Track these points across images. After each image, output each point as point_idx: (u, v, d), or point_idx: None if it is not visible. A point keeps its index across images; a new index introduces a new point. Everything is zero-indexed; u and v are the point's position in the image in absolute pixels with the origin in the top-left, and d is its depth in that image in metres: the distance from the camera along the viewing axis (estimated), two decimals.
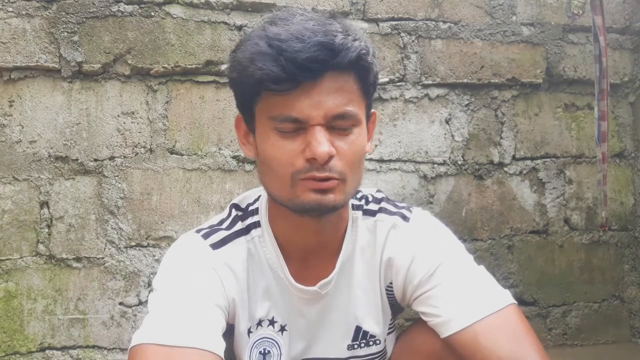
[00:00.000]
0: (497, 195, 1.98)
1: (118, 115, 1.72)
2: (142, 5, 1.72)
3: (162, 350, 0.80)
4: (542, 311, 2.00)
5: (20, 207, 1.67)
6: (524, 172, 2.00)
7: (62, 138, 1.69)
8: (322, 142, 0.82)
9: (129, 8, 1.72)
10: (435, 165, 1.93)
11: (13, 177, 1.66)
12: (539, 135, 2.02)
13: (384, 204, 1.04)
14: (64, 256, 1.68)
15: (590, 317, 2.04)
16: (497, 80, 1.97)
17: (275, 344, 0.99)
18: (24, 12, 1.66)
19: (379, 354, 1.04)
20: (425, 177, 1.92)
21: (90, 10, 1.70)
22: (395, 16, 1.91)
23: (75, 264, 1.69)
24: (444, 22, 1.94)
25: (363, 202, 1.03)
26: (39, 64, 1.67)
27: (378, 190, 1.07)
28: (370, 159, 1.87)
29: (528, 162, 2.01)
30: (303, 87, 0.82)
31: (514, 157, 1.99)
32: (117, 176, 1.71)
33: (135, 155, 1.73)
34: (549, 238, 2.02)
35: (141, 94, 1.74)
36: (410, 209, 1.04)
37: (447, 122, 1.94)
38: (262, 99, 0.87)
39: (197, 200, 1.76)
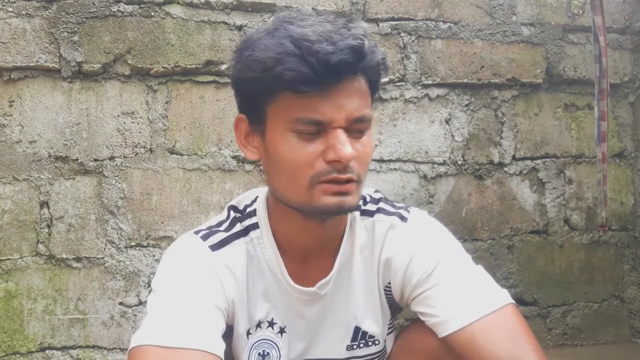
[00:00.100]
0: (497, 195, 1.98)
1: (118, 115, 1.72)
2: (142, 5, 1.72)
3: (162, 352, 0.80)
4: (542, 311, 2.00)
5: (20, 207, 1.67)
6: (524, 172, 2.00)
7: (62, 138, 1.69)
8: (346, 145, 0.83)
9: (129, 8, 1.72)
10: (435, 165, 1.93)
11: (13, 177, 1.66)
12: (539, 135, 2.02)
13: (382, 205, 1.04)
14: (64, 256, 1.68)
15: (590, 317, 2.04)
16: (497, 80, 1.97)
17: (275, 346, 0.98)
18: (24, 12, 1.66)
19: (378, 354, 1.04)
20: (425, 177, 1.92)
21: (90, 10, 1.70)
22: (395, 16, 1.91)
23: (75, 264, 1.69)
24: (444, 22, 1.94)
25: (361, 202, 1.03)
26: (39, 64, 1.67)
27: (376, 191, 1.07)
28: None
29: (528, 162, 2.01)
30: (327, 89, 0.82)
31: (514, 157, 2.00)
32: (117, 176, 1.72)
33: (135, 155, 1.73)
34: (549, 238, 2.02)
35: (141, 94, 1.74)
36: (408, 209, 1.04)
37: (447, 122, 1.94)
38: (278, 100, 0.85)
39: (197, 200, 1.76)
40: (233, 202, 1.04)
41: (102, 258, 1.70)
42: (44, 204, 1.68)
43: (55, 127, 1.69)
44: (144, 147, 1.74)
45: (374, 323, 1.02)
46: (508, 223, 1.98)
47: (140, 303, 1.71)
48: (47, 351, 1.67)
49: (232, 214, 1.01)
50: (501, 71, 1.97)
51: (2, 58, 1.65)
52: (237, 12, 1.79)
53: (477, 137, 1.97)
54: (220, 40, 1.78)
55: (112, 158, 1.72)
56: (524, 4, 2.00)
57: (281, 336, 0.99)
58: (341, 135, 0.84)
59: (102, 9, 1.70)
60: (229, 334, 0.97)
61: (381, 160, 1.88)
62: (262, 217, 0.98)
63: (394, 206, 1.04)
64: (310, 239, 0.96)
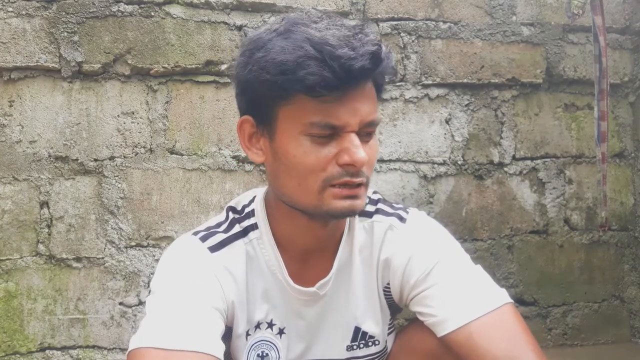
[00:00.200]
0: (497, 195, 1.98)
1: (118, 115, 1.72)
2: (142, 5, 1.72)
3: (161, 354, 0.80)
4: (542, 311, 2.00)
5: (20, 207, 1.67)
6: (524, 172, 2.00)
7: (62, 138, 1.69)
8: (360, 149, 0.84)
9: (129, 8, 1.72)
10: (435, 165, 1.93)
11: (13, 177, 1.66)
12: (539, 135, 2.02)
13: (380, 205, 1.04)
14: (64, 256, 1.69)
15: (590, 317, 2.04)
16: (497, 80, 1.97)
17: (274, 347, 0.98)
18: (24, 12, 1.66)
19: (378, 354, 1.04)
20: (425, 177, 1.92)
21: (90, 10, 1.70)
22: (395, 16, 1.91)
23: (75, 264, 1.69)
24: (444, 22, 1.94)
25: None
26: (39, 64, 1.67)
27: (374, 192, 1.07)
28: None
29: (528, 162, 2.01)
30: (344, 94, 0.82)
31: (514, 157, 2.00)
32: (117, 176, 1.72)
33: (135, 155, 1.73)
34: (549, 238, 2.02)
35: (141, 94, 1.74)
36: (407, 210, 1.04)
37: (447, 122, 1.94)
38: (292, 103, 0.84)
39: (197, 200, 1.76)
40: (232, 203, 1.04)
41: (102, 258, 1.70)
42: (44, 204, 1.68)
43: (55, 127, 1.69)
44: (144, 147, 1.74)
45: (374, 323, 1.02)
46: (508, 223, 1.98)
47: (140, 303, 1.71)
48: (47, 351, 1.67)
49: (231, 215, 1.01)
50: (501, 71, 1.97)
51: (2, 58, 1.65)
52: (237, 12, 1.79)
53: (477, 137, 1.97)
54: (220, 40, 1.78)
55: (112, 158, 1.72)
56: (524, 4, 2.00)
57: (280, 337, 0.99)
58: (355, 139, 0.84)
59: (102, 9, 1.70)
60: (228, 335, 0.97)
61: (381, 160, 1.88)
62: (260, 218, 0.98)
63: (392, 207, 1.04)
64: (310, 239, 0.96)
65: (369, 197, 1.04)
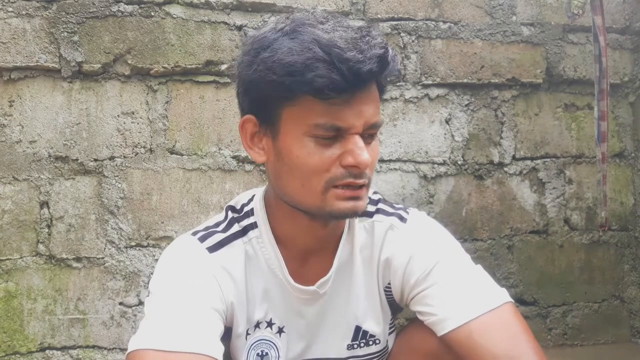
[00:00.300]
0: (497, 195, 1.98)
1: (118, 115, 1.72)
2: (142, 5, 1.72)
3: (160, 356, 0.80)
4: (542, 311, 2.00)
5: (20, 207, 1.67)
6: (524, 172, 2.00)
7: (62, 138, 1.69)
8: (364, 151, 0.84)
9: (129, 8, 1.72)
10: (435, 165, 1.93)
11: (13, 177, 1.66)
12: (539, 135, 2.02)
13: (381, 205, 1.04)
14: (64, 256, 1.69)
15: (590, 317, 2.04)
16: (497, 80, 1.97)
17: (273, 346, 0.98)
18: (24, 12, 1.66)
19: (378, 354, 1.04)
20: (425, 177, 1.92)
21: (90, 10, 1.70)
22: (395, 16, 1.91)
23: (75, 264, 1.69)
24: (444, 22, 1.94)
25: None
26: (39, 64, 1.67)
27: (375, 192, 1.07)
28: None
29: (528, 162, 2.01)
30: (351, 96, 0.83)
31: (514, 157, 2.00)
32: (117, 176, 1.72)
33: (135, 155, 1.73)
34: (549, 238, 2.02)
35: (141, 94, 1.74)
36: (407, 210, 1.04)
37: (447, 122, 1.94)
38: (297, 104, 0.84)
39: (197, 200, 1.76)
40: (231, 203, 1.04)
41: (102, 258, 1.70)
42: (44, 204, 1.68)
43: (55, 127, 1.69)
44: (144, 147, 1.74)
45: (375, 323, 1.02)
46: (508, 223, 1.98)
47: (140, 303, 1.71)
48: (47, 351, 1.67)
49: (230, 214, 1.01)
50: (501, 71, 1.97)
51: (2, 58, 1.65)
52: (237, 12, 1.79)
53: (477, 137, 1.97)
54: (220, 40, 1.78)
55: (112, 158, 1.72)
56: (524, 4, 2.00)
57: (280, 336, 0.99)
58: (359, 141, 0.84)
59: (102, 9, 1.70)
60: (227, 336, 0.97)
61: (381, 160, 1.88)
62: (260, 216, 0.98)
63: (393, 207, 1.04)
64: (311, 238, 0.96)
65: (370, 198, 1.04)
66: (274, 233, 0.97)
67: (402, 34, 1.91)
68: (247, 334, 0.98)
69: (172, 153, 1.75)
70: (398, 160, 1.90)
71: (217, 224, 0.99)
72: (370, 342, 1.03)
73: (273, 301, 0.98)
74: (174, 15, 1.75)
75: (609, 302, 2.06)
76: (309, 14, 0.88)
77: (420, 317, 0.98)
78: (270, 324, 0.99)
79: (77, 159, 1.69)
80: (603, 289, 2.06)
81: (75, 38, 1.69)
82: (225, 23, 1.78)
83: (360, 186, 0.87)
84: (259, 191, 1.02)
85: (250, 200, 1.01)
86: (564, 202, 2.03)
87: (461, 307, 0.92)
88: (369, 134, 0.87)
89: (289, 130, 0.86)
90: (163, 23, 1.74)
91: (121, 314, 1.71)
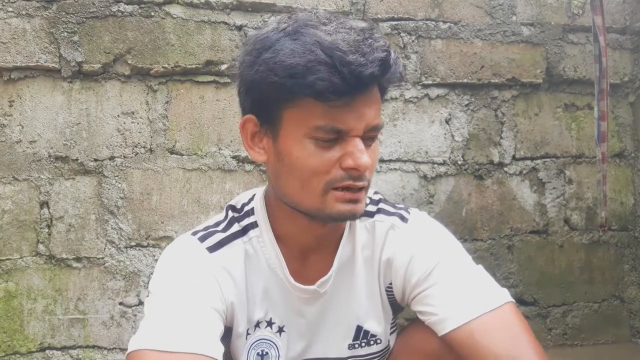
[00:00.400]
0: (497, 195, 1.98)
1: (118, 115, 1.72)
2: (142, 5, 1.72)
3: (160, 356, 0.80)
4: (542, 311, 2.00)
5: (20, 207, 1.67)
6: (524, 172, 2.00)
7: (62, 138, 1.69)
8: (364, 154, 0.84)
9: (129, 8, 1.72)
10: (435, 165, 1.93)
11: (13, 177, 1.66)
12: (539, 135, 2.02)
13: (382, 205, 1.04)
14: (64, 256, 1.69)
15: (590, 317, 2.04)
16: (497, 80, 1.97)
17: (274, 345, 0.98)
18: (24, 12, 1.66)
19: (379, 354, 1.04)
20: (425, 177, 1.92)
21: (90, 10, 1.70)
22: (395, 16, 1.91)
23: (75, 264, 1.69)
24: (444, 22, 1.94)
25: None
26: (39, 64, 1.67)
27: (375, 192, 1.07)
28: None
29: (528, 162, 2.01)
30: (352, 99, 0.82)
31: (514, 157, 2.00)
32: (117, 176, 1.72)
33: (135, 155, 1.73)
34: (549, 238, 2.02)
35: (141, 94, 1.74)
36: (408, 210, 1.04)
37: (447, 122, 1.94)
38: (298, 105, 0.83)
39: (197, 200, 1.76)
40: (231, 202, 1.04)
41: (102, 258, 1.70)
42: (44, 204, 1.68)
43: (55, 127, 1.69)
44: (144, 147, 1.74)
45: (376, 322, 1.02)
46: (508, 223, 1.98)
47: (140, 303, 1.71)
48: (47, 351, 1.67)
49: (230, 213, 1.01)
50: (501, 71, 1.97)
51: (2, 58, 1.65)
52: (237, 12, 1.79)
53: (477, 137, 1.97)
54: (220, 40, 1.78)
55: (112, 158, 1.72)
56: (524, 4, 2.00)
57: (280, 335, 0.99)
58: (359, 143, 0.84)
59: (102, 9, 1.70)
60: (227, 336, 0.97)
61: (381, 160, 1.88)
62: (261, 216, 0.98)
63: (394, 207, 1.04)
64: (311, 237, 0.96)
65: (370, 198, 1.05)
66: (274, 232, 0.97)
67: (402, 34, 1.91)
68: (247, 333, 0.98)
69: (172, 153, 1.75)
70: (398, 160, 1.90)
71: (217, 224, 0.99)
72: (372, 342, 1.03)
73: (273, 300, 0.98)
74: (174, 15, 1.75)
75: (609, 302, 2.06)
76: (312, 14, 0.88)
77: (421, 317, 0.98)
78: (270, 324, 0.98)
79: (77, 159, 1.69)
80: (603, 289, 2.06)
81: (75, 38, 1.69)
82: (225, 23, 1.78)
83: (360, 189, 0.87)
84: (259, 191, 1.02)
85: (251, 199, 1.01)
86: (564, 202, 2.03)
87: (462, 307, 0.92)
88: (370, 136, 0.87)
89: (289, 132, 0.86)
90: (163, 23, 1.74)
91: (121, 314, 1.71)
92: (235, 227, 0.98)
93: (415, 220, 1.02)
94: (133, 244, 1.72)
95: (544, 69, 2.01)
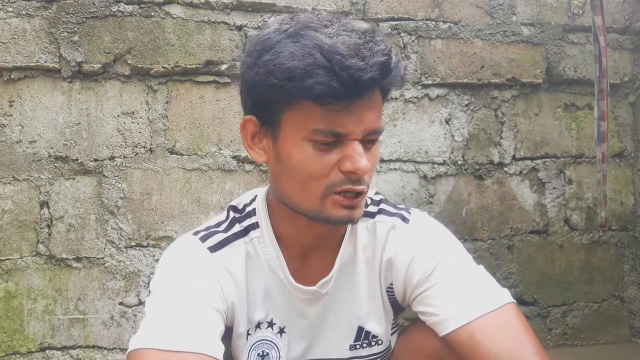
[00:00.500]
0: (497, 195, 1.98)
1: (118, 115, 1.72)
2: (142, 5, 1.72)
3: (160, 355, 0.80)
4: (542, 311, 2.00)
5: (20, 207, 1.67)
6: (524, 172, 2.00)
7: (62, 138, 1.69)
8: (363, 157, 0.84)
9: (129, 8, 1.72)
10: (435, 165, 1.93)
11: (13, 177, 1.66)
12: (539, 135, 2.02)
13: (383, 206, 1.04)
14: (64, 256, 1.69)
15: (590, 317, 2.04)
16: (497, 80, 1.97)
17: (274, 346, 0.98)
18: (24, 12, 1.66)
19: (381, 354, 1.04)
20: (425, 177, 1.92)
21: (90, 10, 1.70)
22: (395, 16, 1.91)
23: (75, 264, 1.69)
24: (444, 22, 1.94)
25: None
26: (39, 64, 1.67)
27: (377, 192, 1.07)
28: None
29: (528, 162, 2.01)
30: (351, 103, 0.82)
31: (514, 157, 2.00)
32: (117, 176, 1.72)
33: (135, 155, 1.73)
34: (549, 238, 2.02)
35: (141, 94, 1.74)
36: (410, 210, 1.04)
37: (447, 122, 1.94)
38: (297, 108, 0.83)
39: (197, 200, 1.76)
40: (233, 202, 1.04)
41: (102, 258, 1.70)
42: (44, 204, 1.68)
43: (55, 127, 1.69)
44: (144, 147, 1.74)
45: (377, 323, 1.02)
46: (508, 223, 1.98)
47: (140, 303, 1.71)
48: (47, 351, 1.67)
49: (232, 214, 1.01)
50: (501, 71, 1.97)
51: (2, 58, 1.65)
52: (237, 12, 1.79)
53: (477, 137, 1.97)
54: (220, 40, 1.78)
55: (112, 158, 1.72)
56: (524, 4, 2.00)
57: (281, 336, 0.99)
58: (358, 147, 0.84)
59: (102, 9, 1.70)
60: (228, 336, 0.97)
61: (381, 160, 1.88)
62: (262, 216, 0.98)
63: (395, 207, 1.04)
64: (311, 237, 0.96)
65: (372, 198, 1.05)
66: (275, 233, 0.97)
67: (402, 34, 1.91)
68: (248, 334, 0.98)
69: (172, 153, 1.75)
70: (398, 160, 1.90)
71: (219, 224, 0.99)
72: (373, 343, 1.02)
73: (274, 301, 0.98)
74: (174, 15, 1.75)
75: (609, 302, 2.06)
76: (314, 15, 0.87)
77: (422, 318, 0.98)
78: (271, 324, 0.98)
79: (77, 159, 1.69)
80: (603, 289, 2.06)
81: (75, 38, 1.69)
82: (225, 23, 1.78)
83: (359, 194, 0.87)
84: (261, 191, 1.02)
85: (253, 200, 1.01)
86: (564, 202, 2.03)
87: (463, 307, 0.92)
88: (370, 139, 0.87)
89: (289, 134, 0.86)
90: (163, 23, 1.74)
91: (121, 314, 1.71)
92: (237, 228, 0.98)
93: (416, 221, 1.02)
94: (133, 244, 1.72)
95: (544, 69, 2.01)
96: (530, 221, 2.00)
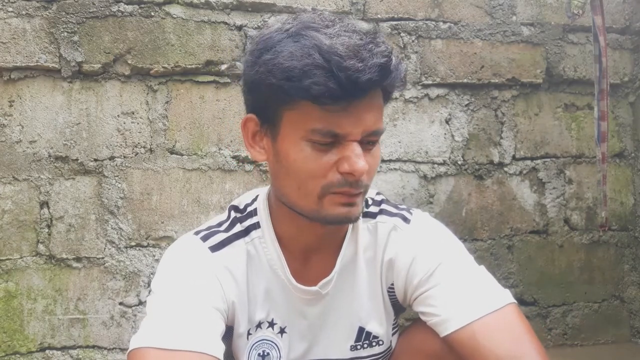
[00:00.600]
0: (497, 195, 1.98)
1: (118, 115, 1.72)
2: (142, 5, 1.72)
3: (161, 354, 0.80)
4: (542, 311, 2.00)
5: (20, 207, 1.67)
6: (524, 172, 2.00)
7: (62, 138, 1.69)
8: (361, 159, 0.83)
9: (129, 8, 1.72)
10: (435, 165, 1.93)
11: (13, 177, 1.66)
12: (539, 135, 2.02)
13: (384, 206, 1.04)
14: (64, 256, 1.68)
15: (590, 317, 2.04)
16: (497, 80, 1.97)
17: (275, 346, 0.98)
18: (24, 12, 1.66)
19: (381, 355, 1.04)
20: (425, 177, 1.92)
21: (90, 10, 1.70)
22: (395, 16, 1.91)
23: (75, 264, 1.69)
24: (444, 22, 1.94)
25: (363, 204, 1.03)
26: (39, 64, 1.67)
27: (378, 193, 1.07)
28: None
29: (528, 162, 2.01)
30: (349, 104, 0.82)
31: (514, 157, 2.00)
32: (117, 176, 1.72)
33: (135, 155, 1.73)
34: (549, 238, 2.02)
35: (141, 94, 1.74)
36: (411, 210, 1.04)
37: (447, 122, 1.94)
38: (296, 108, 0.83)
39: (197, 200, 1.76)
40: (234, 202, 1.04)
41: (102, 258, 1.70)
42: (44, 204, 1.68)
43: (55, 127, 1.69)
44: (144, 147, 1.74)
45: (378, 323, 1.02)
46: (508, 223, 1.98)
47: (140, 303, 1.71)
48: (47, 351, 1.67)
49: (233, 214, 1.01)
50: (501, 71, 1.97)
51: (2, 58, 1.65)
52: (237, 12, 1.79)
53: (477, 137, 1.97)
54: (220, 40, 1.78)
55: (112, 158, 1.72)
56: (524, 4, 2.00)
57: (281, 336, 0.99)
58: (356, 148, 0.84)
59: (102, 9, 1.70)
60: (229, 335, 0.97)
61: (381, 160, 1.88)
62: (263, 216, 0.98)
63: (396, 207, 1.04)
64: (312, 238, 0.96)
65: (373, 199, 1.05)
66: (276, 233, 0.97)
67: (402, 34, 1.91)
68: (249, 334, 0.98)
69: (172, 153, 1.75)
70: (398, 160, 1.91)
71: (220, 224, 0.99)
72: (374, 343, 1.02)
73: (275, 301, 0.98)
74: (174, 15, 1.75)
75: (609, 302, 2.06)
76: (316, 15, 0.87)
77: (423, 318, 0.98)
78: (272, 324, 0.98)
79: (77, 159, 1.69)
80: (603, 289, 2.06)
81: (75, 38, 1.69)
82: (225, 23, 1.78)
83: (357, 193, 0.86)
84: (262, 191, 1.02)
85: (254, 200, 1.01)
86: (564, 202, 2.04)
87: (464, 307, 0.92)
88: (369, 140, 0.86)
89: (287, 134, 0.86)
90: (163, 23, 1.74)
91: (121, 314, 1.71)
92: (238, 228, 0.98)
93: (418, 221, 1.02)
94: (133, 244, 1.72)
95: (544, 69, 2.01)
96: (530, 221, 2.00)
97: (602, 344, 2.04)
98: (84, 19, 1.69)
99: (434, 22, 1.93)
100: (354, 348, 1.01)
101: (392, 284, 1.01)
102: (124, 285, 1.72)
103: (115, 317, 1.71)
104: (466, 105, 1.96)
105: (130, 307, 1.72)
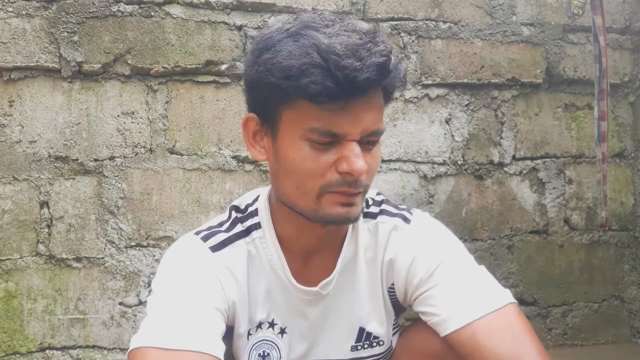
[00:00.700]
0: (497, 195, 1.98)
1: (118, 115, 1.72)
2: (142, 5, 1.72)
3: (162, 354, 0.80)
4: (542, 311, 2.00)
5: (20, 207, 1.67)
6: (524, 172, 2.00)
7: (62, 138, 1.69)
8: (360, 158, 0.83)
9: (129, 8, 1.72)
10: (435, 165, 1.93)
11: (13, 177, 1.66)
12: (539, 135, 2.02)
13: (384, 206, 1.04)
14: (64, 256, 1.68)
15: (590, 317, 2.04)
16: (497, 80, 1.97)
17: (275, 346, 0.98)
18: (24, 12, 1.66)
19: (382, 355, 1.04)
20: (425, 177, 1.92)
21: (90, 10, 1.70)
22: (395, 16, 1.91)
23: (75, 264, 1.69)
24: (444, 22, 1.94)
25: (364, 204, 1.03)
26: (39, 64, 1.67)
27: (378, 193, 1.07)
28: None
29: (528, 162, 2.01)
30: (348, 103, 0.82)
31: (514, 157, 2.00)
32: (117, 176, 1.72)
33: (135, 155, 1.73)
34: (549, 238, 2.02)
35: (141, 94, 1.74)
36: (411, 210, 1.04)
37: (447, 122, 1.94)
38: (295, 107, 0.84)
39: (197, 200, 1.76)
40: (235, 202, 1.04)
41: (102, 258, 1.70)
42: (44, 204, 1.68)
43: (55, 127, 1.69)
44: (144, 147, 1.74)
45: (379, 324, 1.02)
46: (508, 223, 1.98)
47: (140, 303, 1.71)
48: (47, 351, 1.67)
49: (234, 214, 1.01)
50: (501, 71, 1.97)
51: (2, 58, 1.65)
52: (237, 12, 1.79)
53: (477, 137, 1.97)
54: (220, 40, 1.78)
55: (112, 158, 1.72)
56: (524, 4, 2.00)
57: (282, 337, 0.99)
58: (355, 148, 0.84)
59: (102, 9, 1.70)
60: (229, 335, 0.97)
61: (381, 160, 1.88)
62: (264, 217, 0.98)
63: (397, 208, 1.04)
64: (313, 238, 0.96)
65: (373, 199, 1.05)
66: (277, 234, 0.97)
67: (402, 34, 1.91)
68: (249, 334, 0.98)
69: (172, 153, 1.75)
70: (398, 160, 1.91)
71: (221, 224, 0.99)
72: (374, 344, 1.02)
73: (275, 302, 0.98)
74: (174, 15, 1.75)
75: (609, 302, 2.07)
76: (317, 15, 0.87)
77: (424, 318, 0.98)
78: (272, 325, 0.98)
79: (77, 159, 1.69)
80: (603, 289, 2.06)
81: (75, 38, 1.69)
82: (225, 23, 1.78)
83: (355, 193, 0.86)
84: (263, 191, 1.02)
85: (255, 200, 1.01)
86: (564, 202, 2.04)
87: (464, 307, 0.92)
88: (369, 140, 0.86)
89: (286, 133, 0.86)
90: (163, 23, 1.74)
91: (121, 314, 1.71)
92: (239, 228, 0.98)
93: (418, 221, 1.02)
94: (133, 244, 1.72)
95: (544, 69, 2.01)
96: (530, 221, 2.00)
97: (602, 344, 2.04)
98: (84, 19, 1.69)
99: (434, 22, 1.93)
100: (354, 348, 1.01)
101: (393, 284, 1.01)
102: (124, 285, 1.72)
103: (115, 317, 1.71)
104: (466, 105, 1.96)
105: (130, 307, 1.72)
